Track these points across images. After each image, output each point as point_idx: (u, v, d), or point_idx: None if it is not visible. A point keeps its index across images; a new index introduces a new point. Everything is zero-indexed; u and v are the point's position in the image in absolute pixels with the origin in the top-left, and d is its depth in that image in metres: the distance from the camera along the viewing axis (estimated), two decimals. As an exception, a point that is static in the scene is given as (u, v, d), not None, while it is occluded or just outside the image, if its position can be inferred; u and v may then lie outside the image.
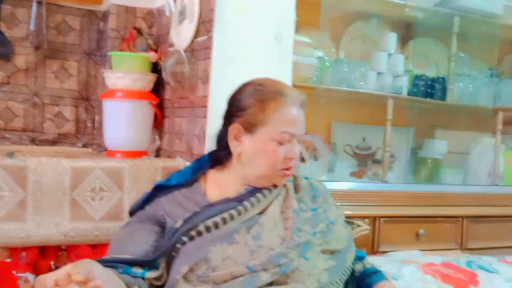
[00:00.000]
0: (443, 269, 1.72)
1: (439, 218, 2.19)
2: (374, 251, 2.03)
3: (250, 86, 1.30)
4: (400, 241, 2.07)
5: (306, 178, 1.42)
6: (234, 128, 1.28)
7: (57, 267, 1.47)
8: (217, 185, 1.33)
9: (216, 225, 1.22)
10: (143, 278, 1.18)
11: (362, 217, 2.00)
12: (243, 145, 1.28)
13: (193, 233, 1.21)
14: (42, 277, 0.87)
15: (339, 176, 2.38)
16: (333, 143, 2.47)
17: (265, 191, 1.29)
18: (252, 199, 1.27)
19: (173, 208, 1.28)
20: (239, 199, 1.27)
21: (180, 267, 1.18)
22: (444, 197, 2.24)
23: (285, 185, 1.33)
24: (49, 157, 1.48)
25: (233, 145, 1.29)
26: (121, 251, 1.21)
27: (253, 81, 1.31)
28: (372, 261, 1.72)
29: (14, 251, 1.43)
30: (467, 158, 2.64)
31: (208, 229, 1.21)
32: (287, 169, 1.28)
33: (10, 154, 1.41)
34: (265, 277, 1.15)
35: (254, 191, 1.29)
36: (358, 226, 2.00)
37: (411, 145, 2.61)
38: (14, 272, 1.42)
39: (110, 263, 1.13)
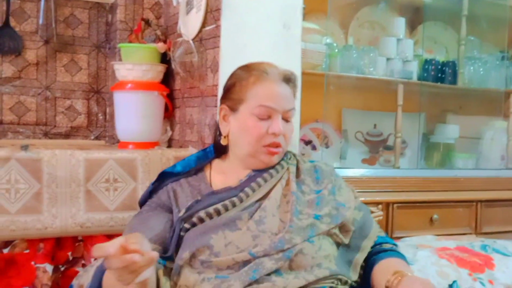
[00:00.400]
0: (458, 253, 1.72)
1: (452, 203, 2.18)
2: (388, 237, 2.03)
3: (238, 69, 1.34)
4: (414, 227, 2.06)
5: (311, 162, 1.41)
6: (222, 109, 1.33)
7: (74, 258, 1.49)
8: (221, 173, 1.34)
9: (218, 212, 1.22)
10: (164, 265, 1.20)
11: (376, 203, 2.00)
12: (230, 125, 1.31)
13: (194, 219, 1.22)
14: (101, 245, 0.86)
15: (351, 163, 2.37)
16: (344, 130, 2.46)
17: (266, 175, 1.28)
18: (253, 184, 1.27)
19: (179, 196, 1.29)
20: (241, 187, 1.27)
21: (182, 253, 1.19)
22: (457, 181, 2.23)
23: (288, 169, 1.33)
24: (63, 149, 1.49)
25: (222, 126, 1.33)
26: None
27: (243, 65, 1.35)
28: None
29: (32, 242, 1.45)
30: (479, 142, 2.62)
31: (210, 216, 1.22)
32: (271, 145, 1.27)
33: (25, 147, 1.42)
34: (269, 264, 1.14)
35: (255, 176, 1.29)
36: (372, 212, 2.00)
37: (423, 131, 2.59)
38: (32, 263, 1.44)
39: None
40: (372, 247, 1.33)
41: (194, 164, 1.37)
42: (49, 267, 1.46)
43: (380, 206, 2.01)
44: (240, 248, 1.17)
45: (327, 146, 2.38)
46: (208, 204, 1.24)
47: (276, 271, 1.14)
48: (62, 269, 1.48)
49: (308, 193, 1.30)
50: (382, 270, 1.25)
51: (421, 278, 1.18)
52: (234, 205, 1.24)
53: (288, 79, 1.30)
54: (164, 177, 1.36)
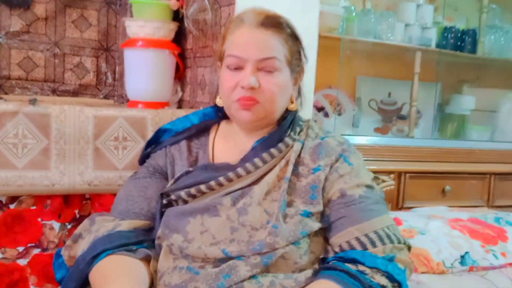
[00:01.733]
0: (470, 224, 1.69)
1: (465, 174, 2.15)
2: (398, 207, 2.00)
3: None
4: (426, 197, 2.04)
5: (323, 138, 1.18)
6: (217, 66, 1.21)
7: (81, 216, 1.47)
8: (226, 138, 1.22)
9: (201, 192, 1.12)
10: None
11: (388, 172, 1.97)
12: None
13: (175, 197, 1.14)
14: None
15: (363, 132, 2.33)
16: (357, 97, 2.41)
17: (266, 156, 1.13)
18: (248, 165, 1.12)
19: (176, 163, 1.21)
20: (236, 166, 1.13)
21: (158, 229, 1.13)
22: (472, 153, 2.20)
23: (292, 147, 1.15)
24: (72, 105, 1.46)
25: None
26: (134, 209, 1.18)
27: None
28: (398, 216, 1.70)
29: (39, 199, 1.42)
30: (495, 115, 2.58)
31: (192, 196, 1.13)
32: (241, 99, 1.10)
33: (33, 101, 1.39)
34: (244, 271, 1.01)
35: (256, 153, 1.14)
36: (384, 181, 1.97)
37: (438, 101, 2.54)
38: (39, 219, 1.42)
39: (126, 246, 1.10)
40: (338, 259, 1.06)
41: (197, 121, 1.26)
42: (56, 224, 1.44)
43: (392, 175, 1.98)
44: (216, 239, 1.06)
45: (339, 114, 2.33)
46: (195, 181, 1.13)
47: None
48: (69, 227, 1.47)
49: (304, 176, 1.12)
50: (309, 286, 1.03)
51: None
52: (221, 185, 1.12)
53: (268, 23, 1.11)
54: (163, 134, 1.27)
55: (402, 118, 2.45)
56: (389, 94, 2.47)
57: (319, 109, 2.28)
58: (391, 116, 2.45)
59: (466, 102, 2.51)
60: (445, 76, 2.48)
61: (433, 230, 1.60)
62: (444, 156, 2.13)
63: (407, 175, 2.01)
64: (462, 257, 1.52)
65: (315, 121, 1.28)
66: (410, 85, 2.25)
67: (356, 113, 2.38)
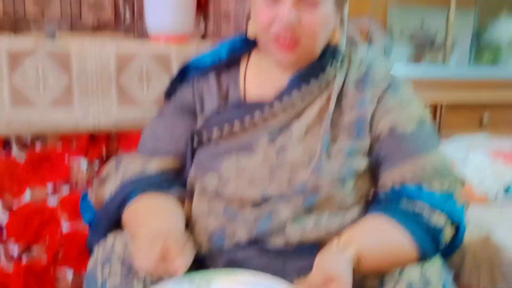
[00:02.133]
0: (513, 154, 1.62)
1: (504, 104, 2.05)
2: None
3: None
4: (463, 129, 1.95)
5: (367, 69, 1.06)
6: None
7: (108, 155, 1.43)
8: (258, 71, 1.11)
9: (234, 132, 1.04)
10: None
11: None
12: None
13: (206, 137, 1.06)
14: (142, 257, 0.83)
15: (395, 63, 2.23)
16: (389, 26, 2.29)
17: (305, 91, 1.03)
18: (285, 100, 1.03)
19: (205, 99, 1.11)
20: (272, 102, 1.03)
21: (191, 170, 1.06)
22: (510, 82, 2.09)
23: (334, 79, 1.05)
24: (92, 41, 1.39)
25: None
26: (162, 148, 1.10)
27: None
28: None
29: (64, 138, 1.39)
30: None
31: (225, 135, 1.04)
32: (279, 36, 0.98)
33: (52, 33, 1.32)
34: (286, 213, 0.96)
35: (294, 86, 1.03)
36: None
37: (474, 29, 2.40)
38: (65, 159, 1.39)
39: (160, 184, 1.05)
40: (397, 194, 0.99)
41: (226, 54, 1.13)
42: (83, 164, 1.41)
43: (427, 106, 1.90)
44: (254, 180, 1.00)
45: (370, 43, 2.22)
46: (228, 119, 1.05)
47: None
48: (97, 166, 1.43)
49: (349, 110, 1.03)
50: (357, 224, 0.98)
51: (343, 265, 0.86)
52: (255, 124, 1.03)
53: None
54: (189, 68, 1.17)
55: (435, 48, 2.33)
56: (422, 23, 2.34)
57: (349, 39, 2.17)
58: (424, 46, 2.34)
59: (505, 29, 2.36)
60: (482, 1, 2.33)
61: (474, 161, 1.53)
62: (482, 85, 2.03)
63: (443, 105, 1.93)
64: (507, 187, 1.45)
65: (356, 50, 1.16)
66: (444, 13, 2.12)
67: (388, 43, 2.26)
